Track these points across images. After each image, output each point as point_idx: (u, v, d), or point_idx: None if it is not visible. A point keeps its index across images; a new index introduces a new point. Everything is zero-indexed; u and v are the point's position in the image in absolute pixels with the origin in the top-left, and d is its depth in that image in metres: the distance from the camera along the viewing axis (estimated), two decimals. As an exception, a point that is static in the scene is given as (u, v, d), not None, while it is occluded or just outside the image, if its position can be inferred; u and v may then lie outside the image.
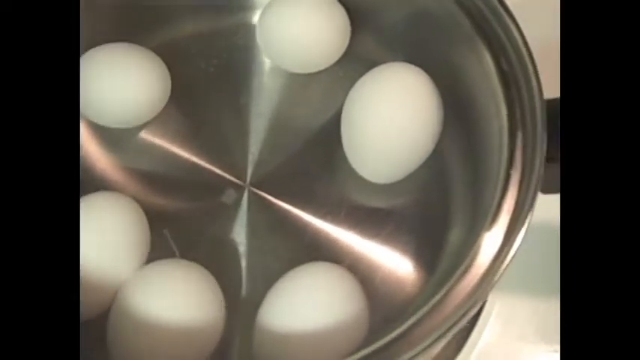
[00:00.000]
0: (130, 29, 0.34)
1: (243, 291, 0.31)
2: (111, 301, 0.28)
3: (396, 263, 0.31)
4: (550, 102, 0.27)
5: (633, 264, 0.20)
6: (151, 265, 0.29)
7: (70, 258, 0.21)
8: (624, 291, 0.20)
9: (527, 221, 0.25)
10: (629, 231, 0.21)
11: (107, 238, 0.28)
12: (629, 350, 0.20)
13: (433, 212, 0.32)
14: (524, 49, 0.28)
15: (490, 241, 0.25)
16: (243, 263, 0.31)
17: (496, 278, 0.24)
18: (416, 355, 0.23)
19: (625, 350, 0.20)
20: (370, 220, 0.32)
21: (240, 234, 0.32)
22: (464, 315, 0.23)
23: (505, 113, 0.28)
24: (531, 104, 0.27)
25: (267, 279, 0.29)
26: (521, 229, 0.25)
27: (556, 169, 0.24)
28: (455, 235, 0.30)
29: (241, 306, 0.30)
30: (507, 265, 0.24)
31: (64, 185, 0.22)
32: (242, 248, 0.31)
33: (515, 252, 0.25)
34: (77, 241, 0.24)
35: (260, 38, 0.35)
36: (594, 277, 0.21)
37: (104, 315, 0.28)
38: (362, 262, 0.31)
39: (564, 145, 0.23)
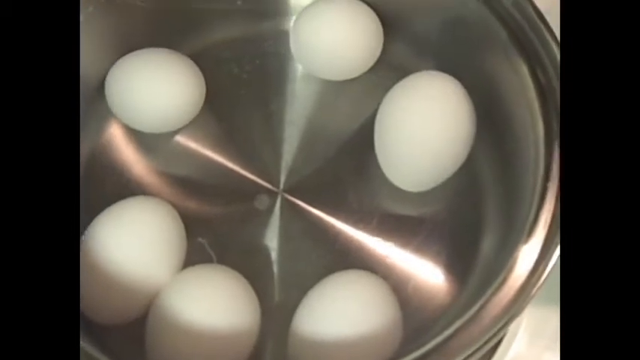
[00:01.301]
0: (164, 35, 0.35)
1: (276, 296, 0.31)
2: (148, 305, 0.29)
3: (427, 272, 0.31)
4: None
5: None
6: (188, 270, 0.29)
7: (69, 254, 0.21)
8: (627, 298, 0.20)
9: (564, 235, 0.25)
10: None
11: (145, 242, 0.29)
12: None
13: (465, 221, 0.32)
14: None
15: (527, 253, 0.25)
16: (276, 269, 0.31)
17: (534, 292, 0.24)
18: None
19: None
20: (402, 228, 0.32)
21: (272, 240, 0.32)
22: (501, 328, 0.24)
23: (542, 126, 0.28)
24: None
25: (299, 285, 0.30)
26: (558, 242, 0.25)
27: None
28: (487, 246, 0.30)
29: (274, 311, 0.30)
30: (545, 279, 0.24)
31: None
32: (274, 254, 0.32)
33: (553, 266, 0.25)
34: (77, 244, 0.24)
35: (293, 45, 0.36)
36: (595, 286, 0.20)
37: (142, 319, 0.29)
38: (394, 271, 0.31)
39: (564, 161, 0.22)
